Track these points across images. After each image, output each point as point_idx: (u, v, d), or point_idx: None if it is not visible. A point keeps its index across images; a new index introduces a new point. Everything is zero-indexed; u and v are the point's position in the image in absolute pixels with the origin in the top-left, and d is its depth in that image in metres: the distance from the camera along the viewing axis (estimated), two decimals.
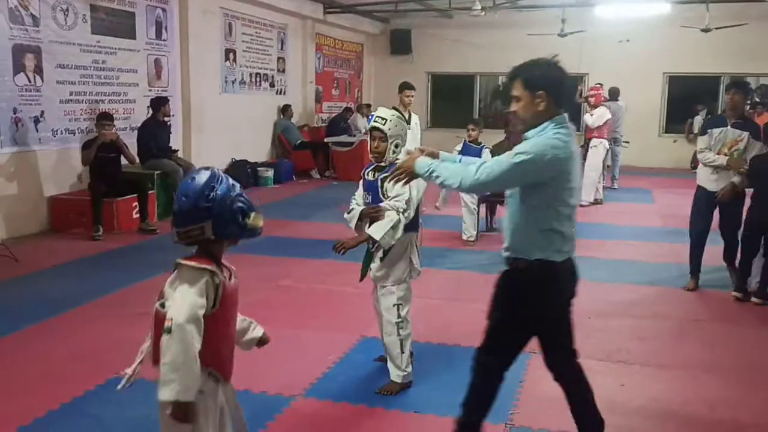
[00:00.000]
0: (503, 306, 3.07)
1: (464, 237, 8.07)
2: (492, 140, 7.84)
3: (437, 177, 3.00)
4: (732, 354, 4.79)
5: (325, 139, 13.94)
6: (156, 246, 7.57)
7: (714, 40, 13.86)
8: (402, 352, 3.98)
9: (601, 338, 4.91)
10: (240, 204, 2.41)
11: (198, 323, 2.31)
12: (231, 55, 12.13)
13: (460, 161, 3.26)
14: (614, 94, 13.19)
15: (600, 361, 4.48)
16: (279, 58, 13.79)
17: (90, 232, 7.85)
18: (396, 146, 3.90)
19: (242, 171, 12.03)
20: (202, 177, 2.41)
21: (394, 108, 7.90)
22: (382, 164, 3.92)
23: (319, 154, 13.80)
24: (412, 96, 8.25)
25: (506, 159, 2.86)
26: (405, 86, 8.51)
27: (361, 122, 14.87)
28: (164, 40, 10.29)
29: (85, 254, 7.17)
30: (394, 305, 3.95)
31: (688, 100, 16.24)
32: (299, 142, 13.66)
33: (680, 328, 5.31)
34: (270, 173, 12.49)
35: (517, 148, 2.87)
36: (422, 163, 3.06)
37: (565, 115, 2.94)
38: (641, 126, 15.44)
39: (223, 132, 11.66)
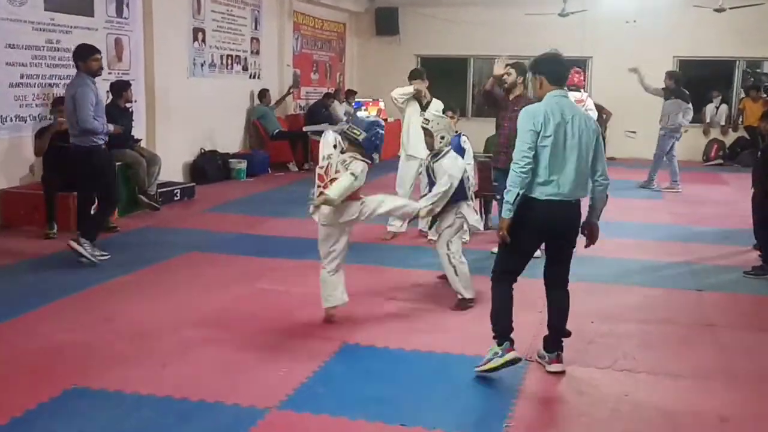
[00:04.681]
0: None
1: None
2: (483, 129, 7.90)
3: (508, 201, 4.13)
4: (747, 362, 4.83)
5: (304, 128, 13.88)
6: (117, 244, 7.41)
7: (729, 21, 13.97)
8: (456, 275, 5.63)
9: (606, 344, 4.94)
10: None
11: None
12: (200, 35, 12.08)
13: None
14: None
15: (604, 369, 4.52)
16: (253, 39, 13.75)
17: (43, 229, 7.81)
18: (442, 138, 5.66)
19: (212, 163, 11.98)
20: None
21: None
22: (434, 152, 5.72)
23: (297, 145, 13.73)
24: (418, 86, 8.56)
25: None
26: (409, 76, 8.79)
27: (340, 110, 14.85)
28: (125, 17, 10.22)
29: (38, 254, 7.12)
30: (445, 243, 5.67)
31: (700, 87, 16.33)
32: (277, 131, 13.54)
33: (691, 333, 5.35)
34: (243, 165, 12.42)
35: None
36: (503, 213, 4.17)
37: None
38: (649, 115, 15.49)
39: (191, 119, 11.61)
